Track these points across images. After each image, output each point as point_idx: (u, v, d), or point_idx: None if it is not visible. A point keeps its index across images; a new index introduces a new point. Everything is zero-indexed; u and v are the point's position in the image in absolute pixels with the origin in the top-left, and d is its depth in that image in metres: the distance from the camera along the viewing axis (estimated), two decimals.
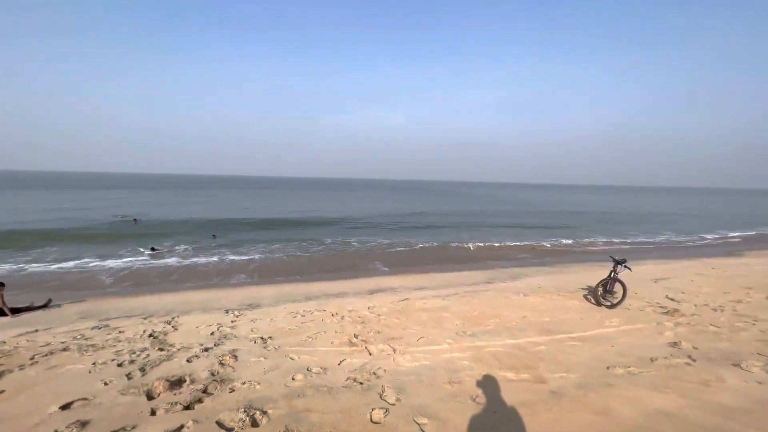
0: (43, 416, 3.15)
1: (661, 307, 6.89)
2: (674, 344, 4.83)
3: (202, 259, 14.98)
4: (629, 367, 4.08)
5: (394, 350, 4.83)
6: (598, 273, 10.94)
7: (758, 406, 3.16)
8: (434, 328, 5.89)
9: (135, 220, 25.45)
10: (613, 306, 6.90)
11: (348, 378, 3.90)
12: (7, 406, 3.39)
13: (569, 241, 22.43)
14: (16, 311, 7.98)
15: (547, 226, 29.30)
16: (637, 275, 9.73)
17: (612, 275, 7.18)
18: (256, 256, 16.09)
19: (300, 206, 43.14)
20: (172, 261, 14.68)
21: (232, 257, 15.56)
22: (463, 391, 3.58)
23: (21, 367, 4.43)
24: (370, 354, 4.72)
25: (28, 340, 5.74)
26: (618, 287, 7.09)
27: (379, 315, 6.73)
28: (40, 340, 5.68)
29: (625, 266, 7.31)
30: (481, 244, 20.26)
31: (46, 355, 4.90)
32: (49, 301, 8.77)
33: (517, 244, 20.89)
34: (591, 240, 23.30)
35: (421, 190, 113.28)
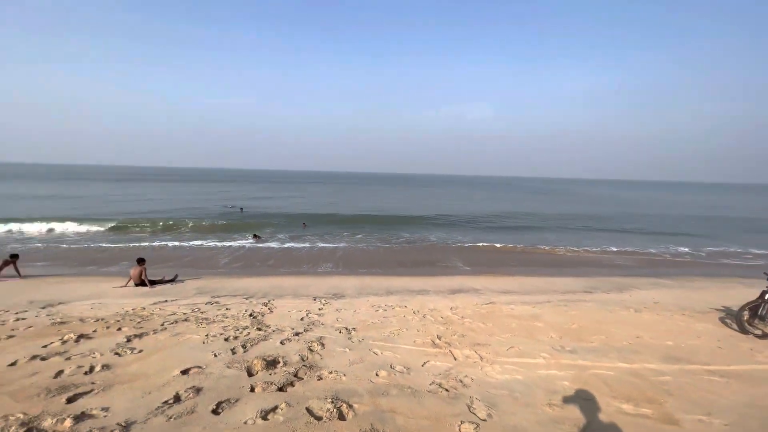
0: (168, 378, 3.63)
1: None
2: None
3: (296, 245, 16.71)
4: None
5: (481, 358, 4.50)
6: (740, 292, 8.88)
7: None
8: (526, 338, 5.36)
9: (241, 209, 29.07)
10: (766, 336, 5.46)
11: (433, 382, 3.71)
12: (143, 364, 4.00)
13: (685, 249, 18.89)
14: (153, 283, 9.61)
15: (656, 231, 25.06)
16: None
17: (766, 297, 5.68)
18: (342, 245, 17.39)
19: (386, 202, 44.31)
20: (270, 246, 16.53)
21: (321, 244, 17.17)
22: (566, 417, 3.12)
23: (155, 332, 5.24)
24: (455, 359, 4.47)
25: (160, 309, 6.82)
26: None
27: (462, 317, 6.41)
28: (168, 310, 6.70)
29: None
30: (575, 249, 18.21)
31: (172, 323, 5.74)
32: (176, 276, 10.38)
33: (624, 249, 18.28)
34: (719, 249, 19.22)
35: (507, 187, 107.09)
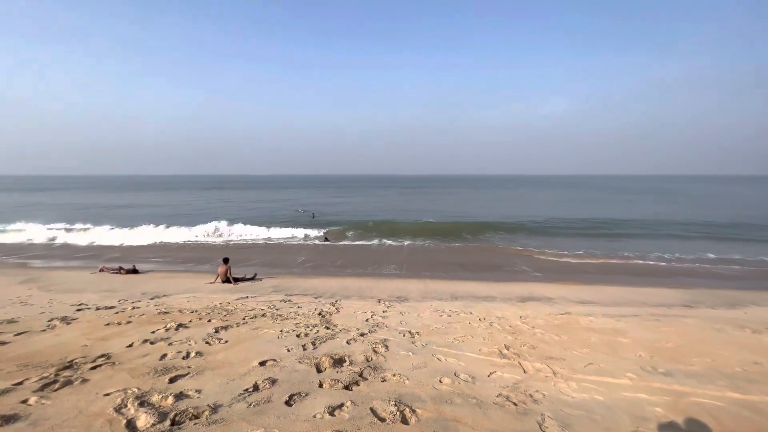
0: (249, 368, 4.01)
1: None
2: None
3: (364, 243, 17.90)
4: None
5: (555, 372, 4.17)
6: None
7: None
8: (607, 354, 4.84)
9: (312, 215, 30.88)
10: None
11: (500, 394, 3.54)
12: (228, 353, 4.47)
13: None
14: (237, 280, 10.70)
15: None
16: None
17: None
18: (406, 243, 18.07)
19: (453, 206, 43.68)
20: (339, 246, 17.55)
21: (388, 242, 18.02)
22: None
23: (238, 325, 5.83)
24: (525, 371, 4.21)
25: (242, 304, 7.57)
26: None
27: (533, 327, 6.01)
28: (249, 305, 7.40)
29: None
30: (668, 256, 15.95)
31: (252, 317, 6.33)
32: (255, 275, 11.42)
33: (728, 257, 15.55)
34: None
35: (587, 186, 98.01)
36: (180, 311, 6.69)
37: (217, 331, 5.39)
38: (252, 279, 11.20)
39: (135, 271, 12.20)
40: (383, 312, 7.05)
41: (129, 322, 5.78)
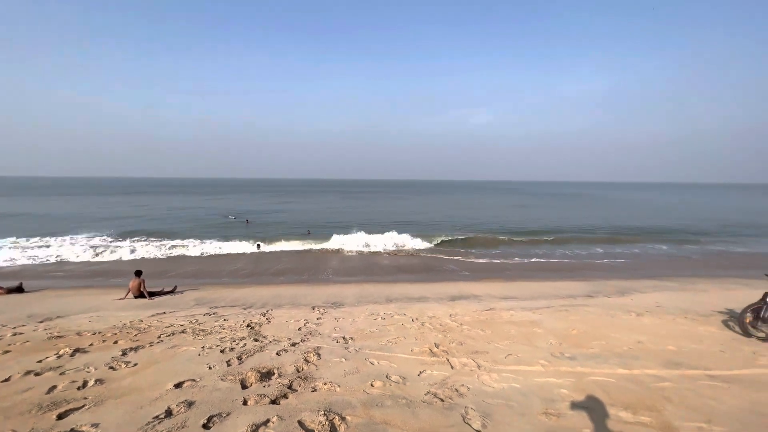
0: (161, 391, 3.60)
1: None
2: None
3: (300, 249, 16.93)
4: None
5: (479, 366, 4.44)
6: (742, 294, 8.80)
7: None
8: (524, 344, 5.30)
9: (246, 221, 28.94)
10: None
11: (428, 392, 3.66)
12: (137, 378, 3.97)
13: (665, 247, 18.95)
14: (152, 294, 9.61)
15: (655, 230, 24.90)
16: None
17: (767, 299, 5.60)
18: (345, 247, 17.59)
19: (391, 210, 44.32)
20: (274, 254, 16.54)
21: (325, 247, 17.43)
22: (563, 426, 3.06)
23: (150, 344, 5.22)
24: (452, 367, 4.41)
25: (158, 321, 6.81)
26: None
27: (461, 324, 6.35)
28: (166, 322, 6.68)
29: None
30: (569, 253, 18.13)
31: (169, 335, 5.72)
32: (175, 288, 10.38)
33: (610, 251, 18.18)
34: (718, 249, 19.10)
35: (510, 191, 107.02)
36: (78, 334, 5.79)
37: (124, 354, 4.77)
38: (171, 292, 10.14)
39: (20, 290, 10.28)
40: (317, 319, 6.88)
41: (7, 352, 4.84)
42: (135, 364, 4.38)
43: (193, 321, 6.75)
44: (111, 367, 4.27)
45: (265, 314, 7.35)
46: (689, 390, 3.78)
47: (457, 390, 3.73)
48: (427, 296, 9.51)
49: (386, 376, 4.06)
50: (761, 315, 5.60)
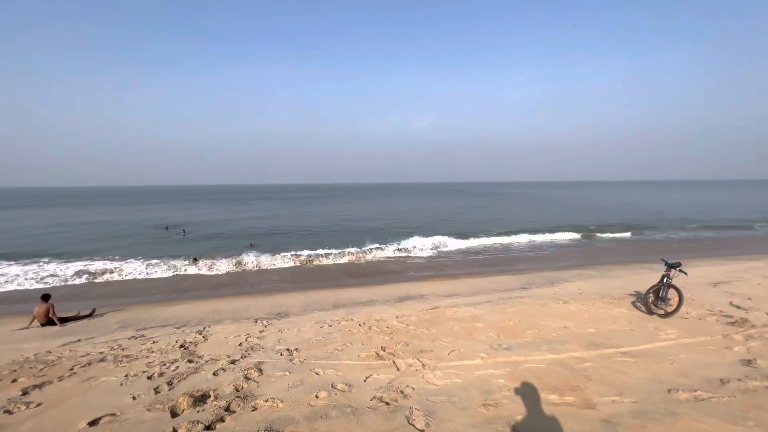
0: None
1: (725, 315, 6.12)
2: (748, 362, 4.20)
3: (238, 269, 15.42)
4: (695, 390, 3.55)
5: (424, 365, 4.55)
6: (647, 277, 10.08)
7: None
8: (466, 339, 5.54)
9: (183, 231, 26.48)
10: (667, 315, 6.21)
11: (374, 397, 3.66)
12: (40, 420, 3.45)
13: (578, 236, 21.42)
14: (64, 320, 8.44)
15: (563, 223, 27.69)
16: (692, 278, 8.82)
17: (665, 280, 6.48)
18: (289, 254, 16.74)
19: (337, 212, 43.75)
20: (211, 270, 15.24)
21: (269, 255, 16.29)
22: (499, 416, 3.24)
23: (60, 379, 4.57)
24: (398, 369, 4.46)
25: (70, 350, 5.98)
26: (673, 293, 6.38)
27: (407, 325, 6.46)
28: (81, 350, 5.90)
29: (680, 270, 6.58)
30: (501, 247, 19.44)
31: (84, 366, 5.05)
32: (94, 310, 9.22)
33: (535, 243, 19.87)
34: (633, 238, 21.79)
35: (450, 191, 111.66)
36: None
37: (25, 393, 4.12)
38: (89, 316, 8.98)
39: None
40: (260, 332, 6.55)
41: None
42: (39, 404, 3.80)
43: (116, 347, 6.04)
44: (7, 411, 3.66)
45: (201, 332, 6.82)
46: (605, 367, 4.23)
47: (402, 392, 3.78)
48: (375, 299, 9.54)
49: (332, 386, 3.99)
50: (660, 295, 6.46)
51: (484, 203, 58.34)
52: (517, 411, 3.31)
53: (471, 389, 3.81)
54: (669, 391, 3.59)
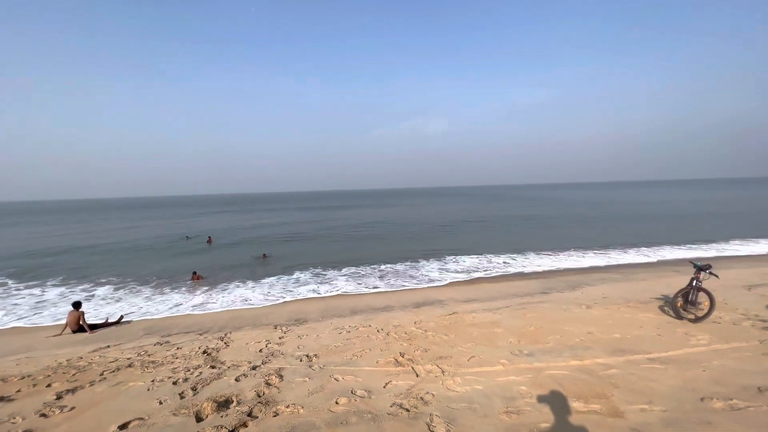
0: None
1: (761, 320, 5.82)
2: None
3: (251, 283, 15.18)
4: (731, 399, 3.38)
5: (443, 371, 4.50)
6: (674, 280, 9.70)
7: None
8: (486, 345, 5.46)
9: (209, 238, 26.94)
10: (698, 319, 5.95)
11: (393, 404, 3.65)
12: (74, 423, 3.59)
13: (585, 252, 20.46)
14: (94, 327, 8.78)
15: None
16: (724, 281, 8.44)
17: (695, 284, 6.22)
18: (301, 275, 16.06)
19: (363, 218, 44.00)
20: (229, 280, 15.49)
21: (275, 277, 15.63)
22: (523, 423, 3.17)
23: (91, 384, 4.75)
24: (417, 375, 4.44)
25: (100, 356, 6.21)
26: (703, 297, 6.12)
27: (426, 331, 6.42)
28: (110, 356, 6.12)
29: (711, 273, 6.31)
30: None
31: (113, 371, 5.24)
32: (122, 318, 9.56)
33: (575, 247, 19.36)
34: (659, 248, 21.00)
35: (472, 195, 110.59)
36: (2, 380, 5.13)
37: (59, 398, 4.29)
38: (117, 323, 9.32)
39: None
40: (279, 338, 6.63)
41: None
42: (72, 408, 3.96)
43: (142, 353, 6.24)
44: (42, 415, 3.82)
45: (223, 338, 6.97)
46: (632, 374, 4.09)
47: (422, 398, 3.75)
48: (392, 305, 9.52)
49: (351, 392, 4.00)
50: (689, 298, 6.20)
51: (486, 205, 57.40)
52: (541, 419, 3.24)
53: (492, 396, 3.74)
54: (702, 399, 3.43)
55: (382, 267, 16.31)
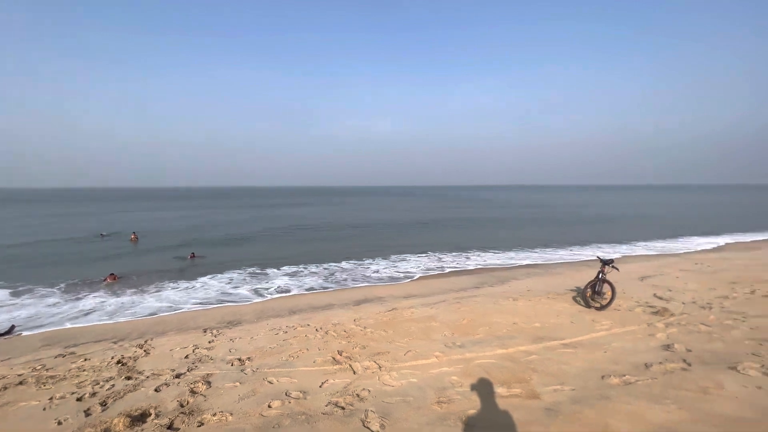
0: None
1: (650, 306, 6.82)
2: (667, 347, 4.71)
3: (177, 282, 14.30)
4: (624, 375, 3.91)
5: (380, 367, 4.57)
6: (586, 273, 10.93)
7: (761, 415, 3.01)
8: (422, 339, 5.65)
9: (134, 234, 23.84)
10: (602, 307, 6.79)
11: (329, 403, 3.61)
12: None
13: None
14: None
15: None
16: (623, 274, 9.73)
17: (600, 276, 7.08)
18: (234, 275, 15.17)
19: (301, 215, 42.53)
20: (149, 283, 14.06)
21: (205, 278, 14.65)
22: (452, 412, 3.34)
23: None
24: (354, 372, 4.44)
25: None
26: (607, 288, 7.00)
27: (365, 328, 6.45)
28: None
29: (613, 266, 7.23)
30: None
31: None
32: (12, 328, 8.19)
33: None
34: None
35: (414, 195, 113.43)
36: None
37: None
38: (7, 334, 7.92)
39: None
40: (209, 342, 6.19)
41: None
42: None
43: (39, 367, 5.40)
44: None
45: (142, 345, 6.31)
46: (549, 359, 4.53)
47: (358, 395, 3.76)
48: (333, 303, 9.42)
49: (285, 394, 3.87)
50: (596, 289, 7.05)
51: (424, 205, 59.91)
52: (469, 406, 3.43)
53: (426, 388, 3.88)
54: (603, 377, 3.92)
55: (326, 266, 16.04)
